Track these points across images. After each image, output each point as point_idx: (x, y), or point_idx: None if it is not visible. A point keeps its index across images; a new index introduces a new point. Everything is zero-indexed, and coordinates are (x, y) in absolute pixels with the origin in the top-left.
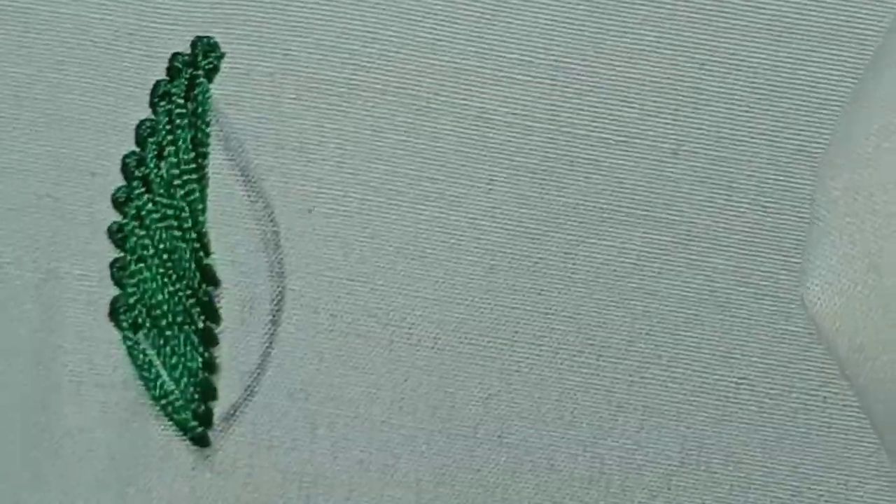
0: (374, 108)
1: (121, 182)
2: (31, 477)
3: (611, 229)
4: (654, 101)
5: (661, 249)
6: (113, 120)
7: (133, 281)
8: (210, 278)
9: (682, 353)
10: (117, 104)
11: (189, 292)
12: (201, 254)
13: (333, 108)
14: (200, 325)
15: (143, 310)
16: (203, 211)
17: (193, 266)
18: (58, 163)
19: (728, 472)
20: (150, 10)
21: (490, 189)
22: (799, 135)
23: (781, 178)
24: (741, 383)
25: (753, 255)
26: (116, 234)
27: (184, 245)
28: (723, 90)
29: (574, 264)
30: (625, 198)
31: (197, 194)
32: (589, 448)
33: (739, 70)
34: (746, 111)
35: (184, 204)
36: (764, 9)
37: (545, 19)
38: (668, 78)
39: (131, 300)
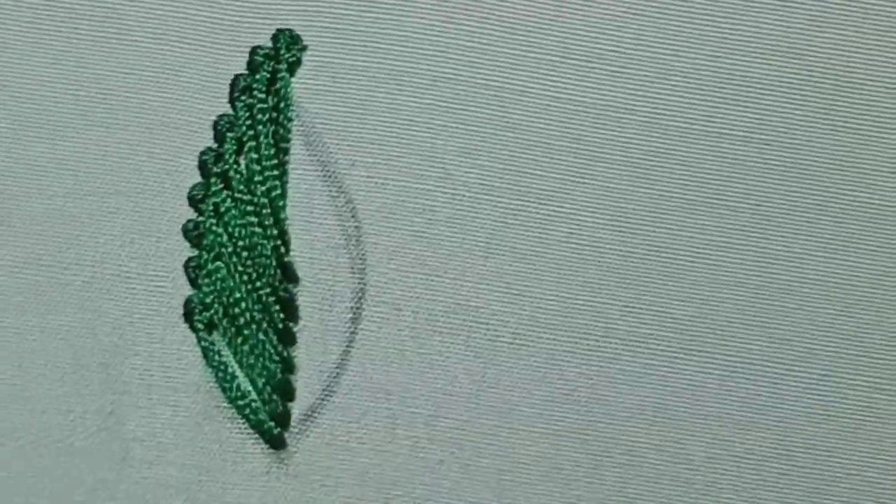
0: (461, 100)
1: (196, 179)
2: (100, 482)
3: (702, 225)
4: (753, 97)
5: (754, 246)
6: (188, 116)
7: (209, 280)
8: (290, 275)
9: (768, 347)
10: (193, 99)
11: (268, 290)
12: (282, 250)
13: (419, 102)
14: (279, 323)
15: (220, 309)
16: (284, 207)
17: (274, 263)
18: (131, 159)
19: (814, 466)
20: (229, 3)
21: (578, 185)
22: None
23: (869, 176)
24: (824, 377)
25: (844, 254)
26: (192, 232)
27: (264, 242)
28: (821, 88)
29: (663, 260)
30: (716, 194)
31: (278, 190)
32: (673, 444)
33: (837, 67)
34: (848, 110)
35: (265, 200)
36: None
37: (641, 16)
38: (767, 72)
39: (207, 299)
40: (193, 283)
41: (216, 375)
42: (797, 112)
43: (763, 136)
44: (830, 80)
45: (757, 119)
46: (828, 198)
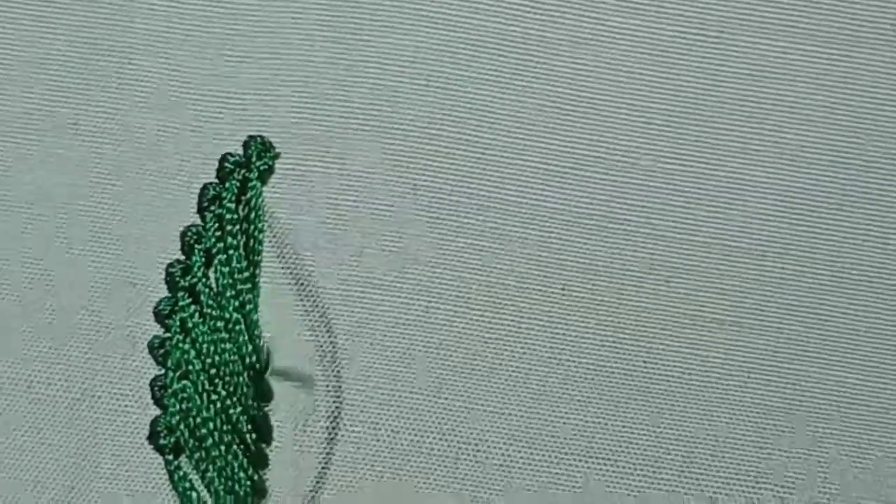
0: (439, 208)
1: (163, 293)
2: None
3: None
4: None
5: None
6: (155, 227)
7: (175, 399)
8: (264, 393)
9: None
10: (161, 209)
11: (239, 409)
12: (257, 367)
13: (395, 210)
14: (251, 445)
15: (186, 431)
16: (257, 322)
17: (245, 380)
18: (95, 273)
19: None
20: (198, 109)
21: (559, 297)
22: None
23: None
24: None
25: None
26: (158, 350)
27: (235, 358)
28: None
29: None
30: None
31: (250, 305)
32: None
33: None
34: None
35: (237, 315)
36: None
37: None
38: None
39: (173, 420)
40: (159, 403)
41: (182, 501)
42: None
43: None
44: None
45: None
46: None
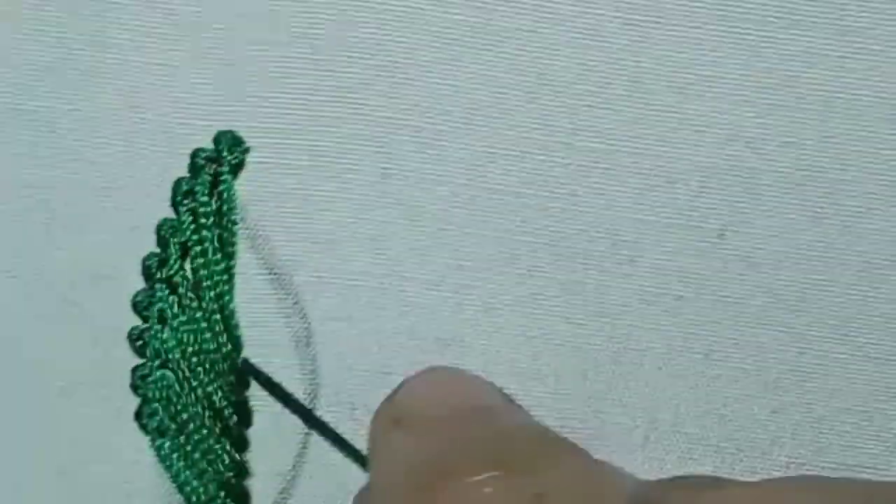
0: (409, 198)
1: (140, 285)
2: None
3: None
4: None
5: None
6: (131, 220)
7: (155, 387)
8: (244, 380)
9: None
10: (135, 203)
11: (220, 395)
12: (234, 355)
13: (365, 200)
14: (232, 428)
15: (167, 416)
16: (233, 312)
17: (227, 368)
18: (75, 266)
19: None
20: (170, 106)
21: (530, 274)
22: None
23: None
24: None
25: None
26: (136, 341)
27: (215, 347)
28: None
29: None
30: None
31: (227, 295)
32: None
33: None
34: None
35: (214, 306)
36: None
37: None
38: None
39: (155, 407)
40: (139, 392)
41: (170, 480)
42: None
43: None
44: None
45: None
46: None
